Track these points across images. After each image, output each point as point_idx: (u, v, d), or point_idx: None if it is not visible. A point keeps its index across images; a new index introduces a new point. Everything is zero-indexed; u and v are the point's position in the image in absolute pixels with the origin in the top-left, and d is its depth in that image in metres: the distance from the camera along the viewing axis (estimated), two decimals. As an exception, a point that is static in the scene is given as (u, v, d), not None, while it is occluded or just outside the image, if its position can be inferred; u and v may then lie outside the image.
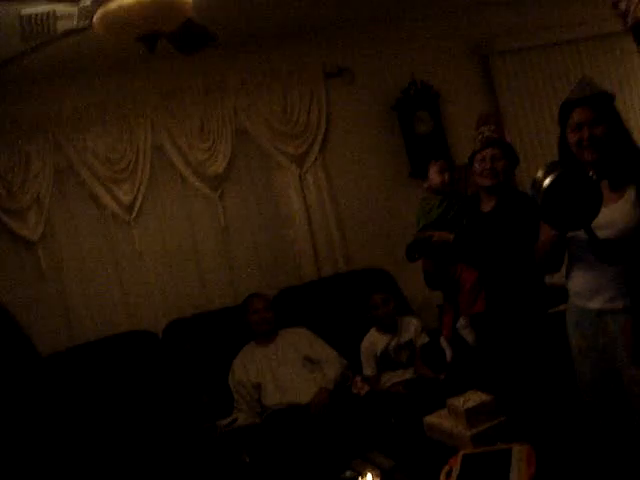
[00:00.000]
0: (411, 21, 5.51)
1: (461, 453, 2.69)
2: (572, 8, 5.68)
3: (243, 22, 4.57)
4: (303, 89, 5.29)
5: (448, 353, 3.99)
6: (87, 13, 2.79)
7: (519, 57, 5.80)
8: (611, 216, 2.69)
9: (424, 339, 4.50)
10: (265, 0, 3.87)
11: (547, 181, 2.59)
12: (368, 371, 4.48)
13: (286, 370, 4.46)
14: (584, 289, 2.86)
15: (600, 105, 2.79)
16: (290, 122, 5.26)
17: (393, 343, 4.45)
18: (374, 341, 4.49)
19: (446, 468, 2.59)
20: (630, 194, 2.70)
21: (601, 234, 2.65)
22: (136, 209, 5.01)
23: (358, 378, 4.47)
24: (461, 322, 3.78)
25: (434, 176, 4.02)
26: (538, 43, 5.78)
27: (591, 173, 2.63)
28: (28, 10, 3.34)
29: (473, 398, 2.95)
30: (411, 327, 4.53)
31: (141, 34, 2.78)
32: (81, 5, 2.77)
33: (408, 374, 4.40)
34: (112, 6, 2.59)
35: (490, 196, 3.59)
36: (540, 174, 2.65)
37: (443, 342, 4.00)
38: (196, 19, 3.16)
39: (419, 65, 5.53)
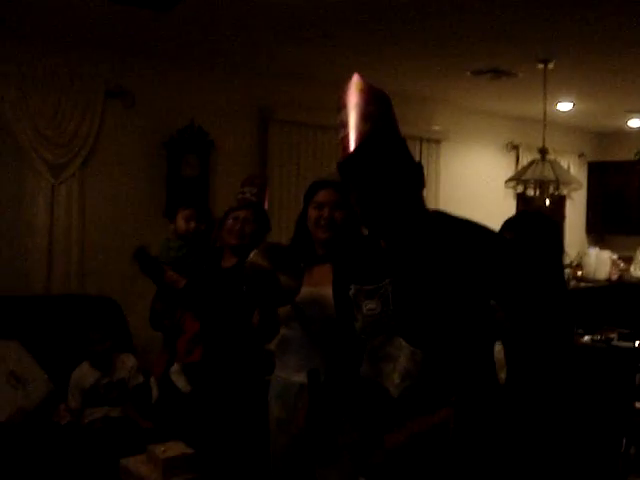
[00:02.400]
0: (203, 66, 5.60)
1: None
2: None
3: (34, 13, 4.37)
4: (80, 99, 5.11)
5: (154, 393, 3.97)
6: None
7: (295, 130, 6.09)
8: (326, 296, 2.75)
9: (138, 379, 4.43)
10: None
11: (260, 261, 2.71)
12: (72, 403, 4.32)
13: (-14, 383, 4.17)
14: (291, 361, 2.96)
15: (345, 192, 2.97)
16: (58, 128, 5.04)
17: (104, 380, 4.34)
18: (85, 375, 4.36)
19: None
20: None
21: (315, 312, 2.79)
22: None
23: (62, 407, 4.29)
24: (175, 367, 3.79)
25: (180, 222, 4.14)
26: (314, 121, 6.09)
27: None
28: None
29: (174, 448, 2.94)
30: (126, 366, 4.45)
31: None
32: None
33: (114, 412, 4.29)
34: None
35: (233, 255, 3.65)
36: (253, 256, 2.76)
37: (152, 381, 3.98)
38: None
39: (201, 110, 5.59)
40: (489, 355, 2.07)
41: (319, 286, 2.75)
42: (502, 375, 2.16)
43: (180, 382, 3.76)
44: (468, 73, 5.83)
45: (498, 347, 2.26)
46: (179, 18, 4.27)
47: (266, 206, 3.87)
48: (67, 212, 5.09)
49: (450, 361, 1.97)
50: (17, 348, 4.39)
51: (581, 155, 8.86)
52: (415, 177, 2.06)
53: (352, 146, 2.02)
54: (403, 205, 2.00)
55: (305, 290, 2.80)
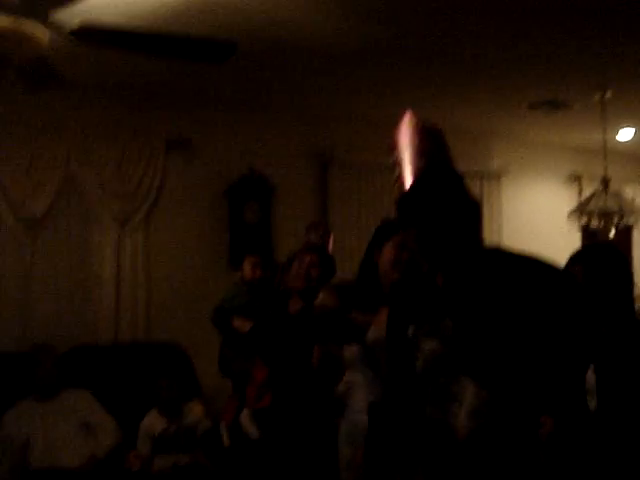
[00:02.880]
0: (260, 113, 5.67)
1: None
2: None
3: (96, 69, 4.52)
4: (142, 150, 5.26)
5: (225, 440, 3.97)
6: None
7: (355, 171, 6.09)
8: None
9: (207, 426, 4.44)
10: (124, 56, 3.85)
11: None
12: (143, 450, 4.35)
13: (60, 432, 4.24)
14: (359, 403, 2.94)
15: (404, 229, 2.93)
16: (122, 180, 5.18)
17: (173, 427, 4.37)
18: (154, 422, 4.40)
19: None
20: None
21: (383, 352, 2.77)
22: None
23: (132, 454, 4.32)
24: (245, 413, 3.79)
25: (247, 269, 4.17)
26: (374, 161, 6.09)
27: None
28: None
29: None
30: (195, 412, 4.47)
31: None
32: None
33: (184, 459, 4.31)
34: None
35: (299, 299, 3.67)
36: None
37: (222, 428, 3.99)
38: (48, 58, 3.09)
39: (259, 156, 5.67)
40: (579, 383, 2.01)
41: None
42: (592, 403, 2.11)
43: (250, 428, 3.76)
44: (525, 106, 5.79)
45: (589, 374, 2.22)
46: (234, 67, 4.36)
47: (330, 250, 3.90)
48: (133, 262, 5.21)
49: (521, 398, 1.92)
50: (88, 397, 4.47)
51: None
52: (472, 212, 2.04)
53: (408, 182, 2.02)
54: (461, 240, 1.99)
55: (373, 331, 2.79)
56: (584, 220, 5.83)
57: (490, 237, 5.95)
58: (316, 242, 3.81)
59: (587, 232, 6.83)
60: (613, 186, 5.74)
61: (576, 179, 7.85)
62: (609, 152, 5.79)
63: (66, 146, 5.02)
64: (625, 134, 6.91)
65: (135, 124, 5.24)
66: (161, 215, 5.39)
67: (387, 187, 6.13)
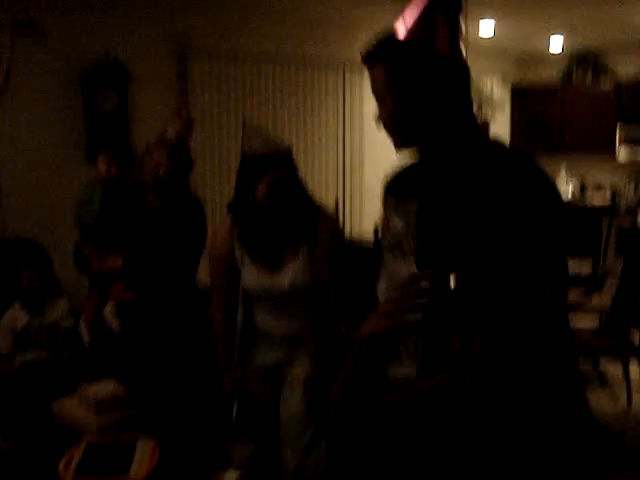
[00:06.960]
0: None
1: (84, 442, 2.60)
2: (277, 26, 5.93)
3: None
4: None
5: (85, 337, 3.92)
6: None
7: (215, 59, 5.93)
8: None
9: (69, 322, 4.34)
10: None
11: None
12: (3, 345, 4.20)
13: None
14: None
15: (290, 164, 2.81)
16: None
17: (36, 323, 4.24)
18: (15, 317, 4.23)
19: (66, 457, 2.49)
20: (304, 251, 2.81)
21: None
22: None
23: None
24: (108, 308, 3.74)
25: (100, 166, 4.01)
26: (235, 49, 5.94)
27: None
28: None
29: (106, 387, 2.88)
30: (58, 309, 4.35)
31: None
32: None
33: (44, 354, 4.19)
34: None
35: (154, 194, 3.56)
36: None
37: (82, 324, 3.94)
38: None
39: (115, 42, 5.38)
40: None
41: None
42: None
43: (113, 322, 3.72)
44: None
45: None
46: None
47: (191, 140, 3.80)
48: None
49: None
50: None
51: (504, 78, 8.86)
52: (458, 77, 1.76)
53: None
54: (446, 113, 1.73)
55: None
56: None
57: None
58: (170, 136, 3.68)
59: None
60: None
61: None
62: (469, 45, 5.84)
63: None
64: (486, 27, 6.98)
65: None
66: (9, 105, 5.04)
67: (250, 74, 6.06)
